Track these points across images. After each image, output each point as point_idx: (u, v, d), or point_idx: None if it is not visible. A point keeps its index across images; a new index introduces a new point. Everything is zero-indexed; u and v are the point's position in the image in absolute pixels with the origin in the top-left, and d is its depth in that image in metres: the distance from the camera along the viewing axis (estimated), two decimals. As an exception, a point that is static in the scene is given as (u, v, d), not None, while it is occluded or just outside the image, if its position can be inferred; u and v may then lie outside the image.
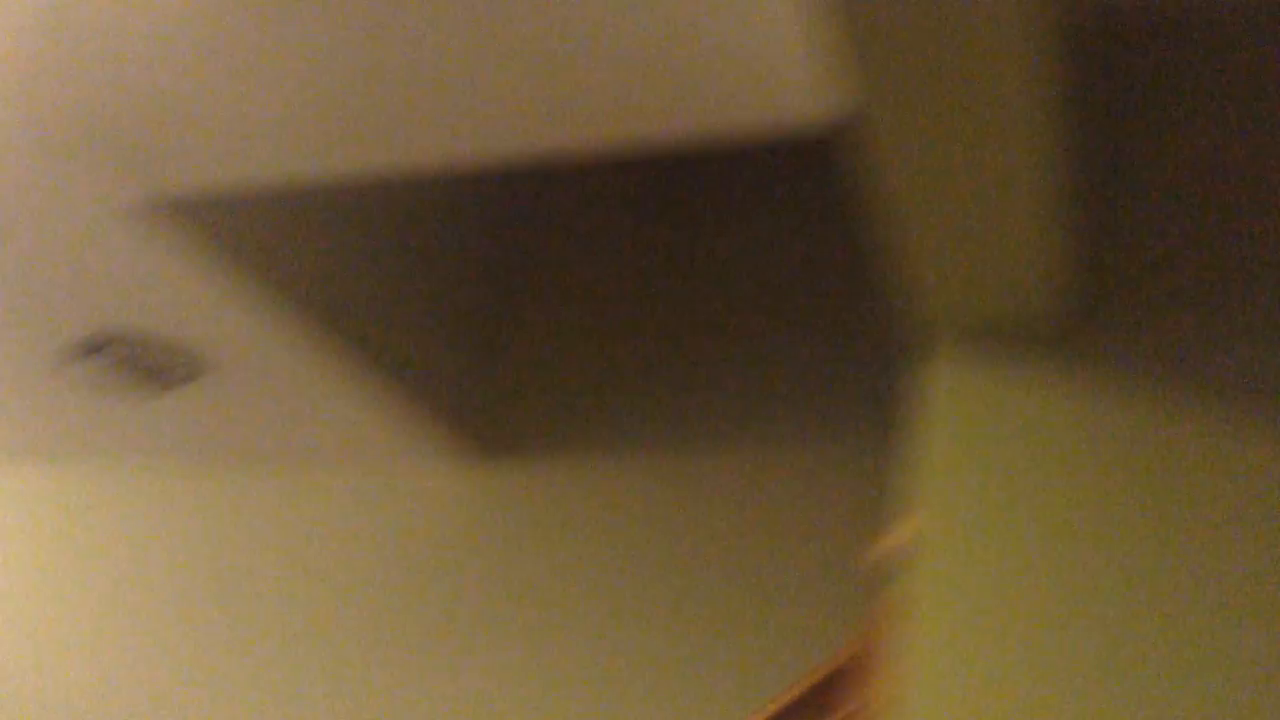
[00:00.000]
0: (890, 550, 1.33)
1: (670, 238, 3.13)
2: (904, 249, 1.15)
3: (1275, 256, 1.25)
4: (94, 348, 2.42)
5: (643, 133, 1.53)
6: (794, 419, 2.85)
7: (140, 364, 2.46)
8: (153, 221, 1.88)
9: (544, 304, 3.14)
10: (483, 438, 2.96)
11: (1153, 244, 1.28)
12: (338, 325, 2.45)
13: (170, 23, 1.47)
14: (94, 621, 3.08)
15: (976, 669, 1.15)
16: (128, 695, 3.00)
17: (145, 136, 1.67)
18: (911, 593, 1.20)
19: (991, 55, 0.96)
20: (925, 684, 1.15)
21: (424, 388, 2.77)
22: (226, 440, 2.95)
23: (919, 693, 1.15)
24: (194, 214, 1.91)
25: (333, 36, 1.48)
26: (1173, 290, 1.25)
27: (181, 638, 3.01)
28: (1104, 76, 1.39)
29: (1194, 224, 1.28)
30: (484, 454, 2.95)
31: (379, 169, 1.71)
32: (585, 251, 3.19)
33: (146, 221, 1.89)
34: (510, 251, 3.23)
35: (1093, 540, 1.18)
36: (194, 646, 2.99)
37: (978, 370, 1.25)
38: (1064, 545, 1.18)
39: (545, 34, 1.45)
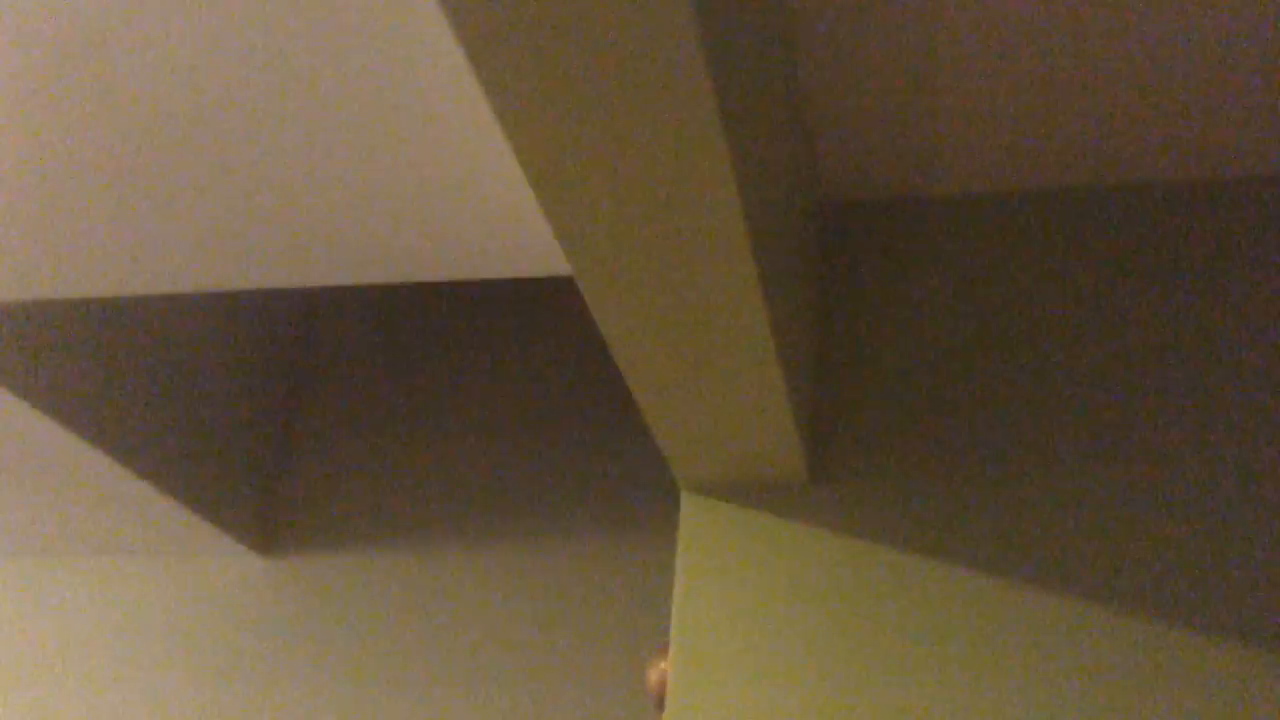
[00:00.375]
0: (657, 680, 1.43)
1: (463, 342, 3.24)
2: (645, 410, 1.27)
3: (982, 422, 1.40)
4: None
5: (404, 274, 1.67)
6: (586, 521, 2.96)
7: None
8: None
9: (332, 403, 3.23)
10: (269, 534, 3.00)
11: (875, 413, 1.42)
12: (104, 432, 2.45)
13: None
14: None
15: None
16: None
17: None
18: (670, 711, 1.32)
19: (710, 241, 1.05)
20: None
21: (206, 488, 2.80)
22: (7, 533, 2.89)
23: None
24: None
25: (82, 161, 1.53)
26: (892, 453, 1.39)
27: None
28: (840, 252, 1.52)
29: (911, 395, 1.42)
30: (271, 550, 2.99)
31: (139, 290, 1.79)
32: (377, 353, 3.28)
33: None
34: (296, 352, 3.30)
35: (822, 673, 1.31)
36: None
37: (722, 524, 1.37)
38: (794, 672, 1.32)
39: (314, 181, 1.58)
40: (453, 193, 1.51)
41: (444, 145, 1.48)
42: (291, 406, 3.24)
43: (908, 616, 1.32)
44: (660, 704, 1.36)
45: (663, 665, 1.39)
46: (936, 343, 1.43)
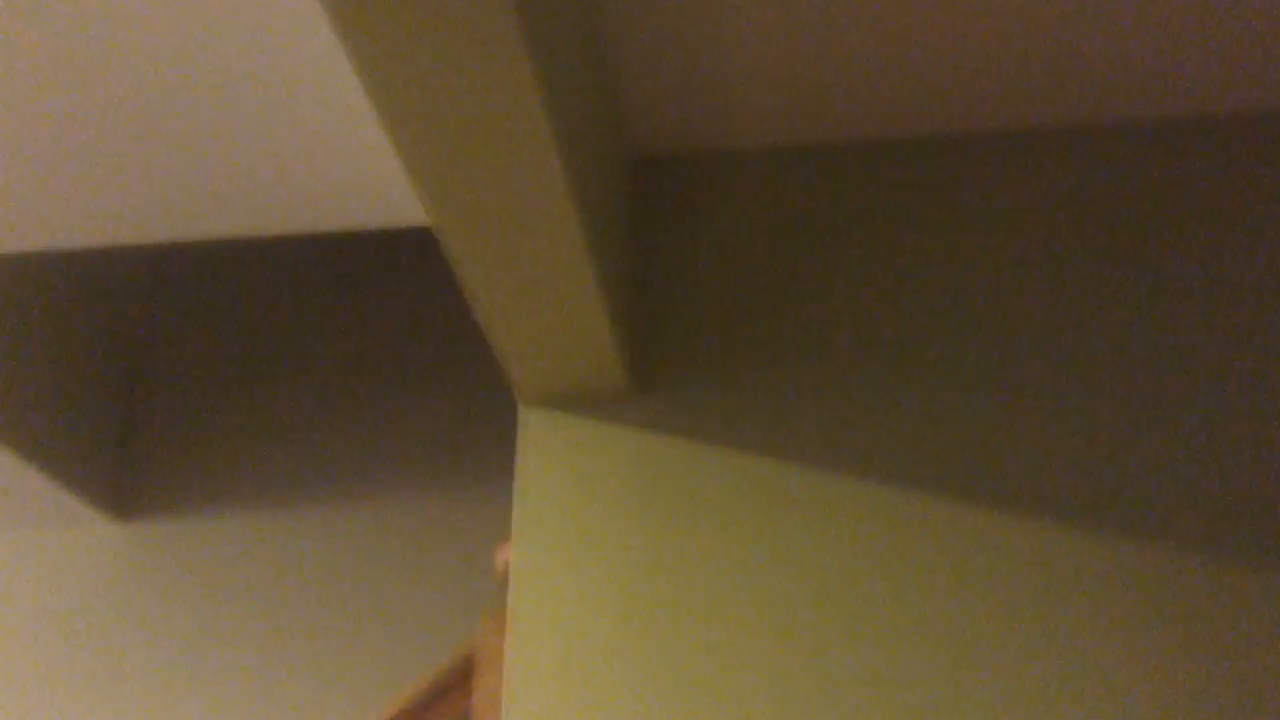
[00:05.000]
0: (502, 566, 1.65)
1: (306, 300, 3.35)
2: (488, 331, 1.48)
3: (777, 336, 1.64)
4: None
5: (265, 226, 1.80)
6: (430, 468, 3.12)
7: None
8: None
9: (180, 365, 3.26)
10: (124, 499, 3.04)
11: (686, 330, 1.65)
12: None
13: None
14: None
15: (558, 664, 1.49)
16: None
17: None
18: (511, 600, 1.53)
19: (537, 188, 1.26)
20: (520, 675, 1.48)
21: (60, 454, 2.81)
22: None
23: (515, 680, 1.48)
24: None
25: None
26: (702, 367, 1.63)
27: None
28: (651, 197, 1.75)
29: (719, 314, 1.66)
30: (127, 516, 3.03)
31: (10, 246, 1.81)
32: (221, 313, 3.31)
33: None
34: (142, 314, 3.28)
35: (644, 558, 1.53)
36: None
37: (555, 431, 1.59)
38: (624, 562, 1.54)
39: (185, 133, 1.69)
40: (303, 148, 1.68)
41: (295, 102, 1.63)
42: (140, 369, 3.26)
43: (718, 507, 1.56)
44: (504, 583, 1.58)
45: (507, 555, 1.60)
46: (737, 272, 1.67)
